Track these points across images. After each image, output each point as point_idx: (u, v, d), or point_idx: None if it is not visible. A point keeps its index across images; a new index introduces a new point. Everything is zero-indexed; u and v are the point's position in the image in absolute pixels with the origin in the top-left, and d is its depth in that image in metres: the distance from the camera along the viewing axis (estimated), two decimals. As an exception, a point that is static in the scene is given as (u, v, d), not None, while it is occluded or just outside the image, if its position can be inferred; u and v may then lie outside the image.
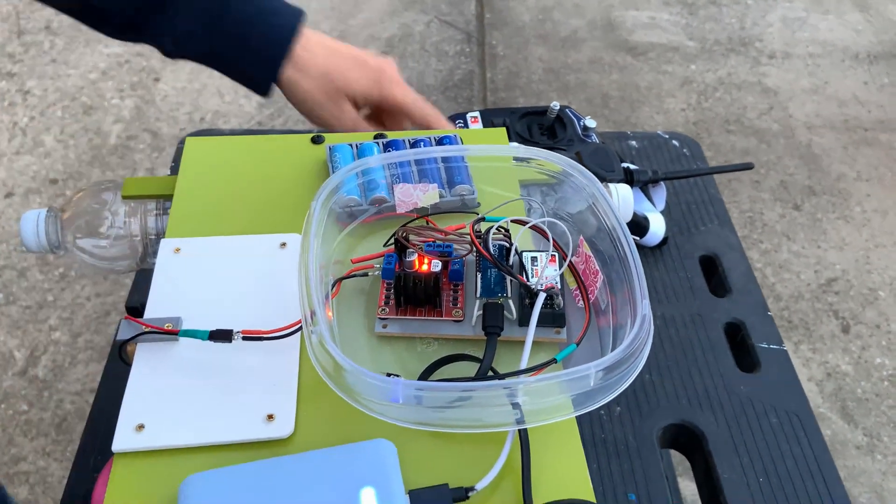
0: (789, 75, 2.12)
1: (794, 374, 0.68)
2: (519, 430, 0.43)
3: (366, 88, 0.69)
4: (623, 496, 0.60)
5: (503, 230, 0.50)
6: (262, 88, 0.70)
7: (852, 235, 1.70)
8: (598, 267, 0.49)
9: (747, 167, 0.82)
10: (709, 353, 0.69)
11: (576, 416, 0.43)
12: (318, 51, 0.68)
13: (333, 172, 0.58)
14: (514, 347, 0.48)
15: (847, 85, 2.10)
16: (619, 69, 2.12)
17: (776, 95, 2.06)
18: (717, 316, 0.72)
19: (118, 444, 0.43)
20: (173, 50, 0.67)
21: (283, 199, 0.58)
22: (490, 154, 0.58)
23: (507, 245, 0.50)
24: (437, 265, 0.48)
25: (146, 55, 2.10)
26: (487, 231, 0.49)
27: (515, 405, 0.42)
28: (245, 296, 0.51)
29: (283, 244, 0.54)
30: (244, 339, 0.46)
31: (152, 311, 0.50)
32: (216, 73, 0.70)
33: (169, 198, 0.62)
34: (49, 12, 2.26)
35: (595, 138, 0.78)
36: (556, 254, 0.50)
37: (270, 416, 0.44)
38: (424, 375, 0.46)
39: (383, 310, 0.49)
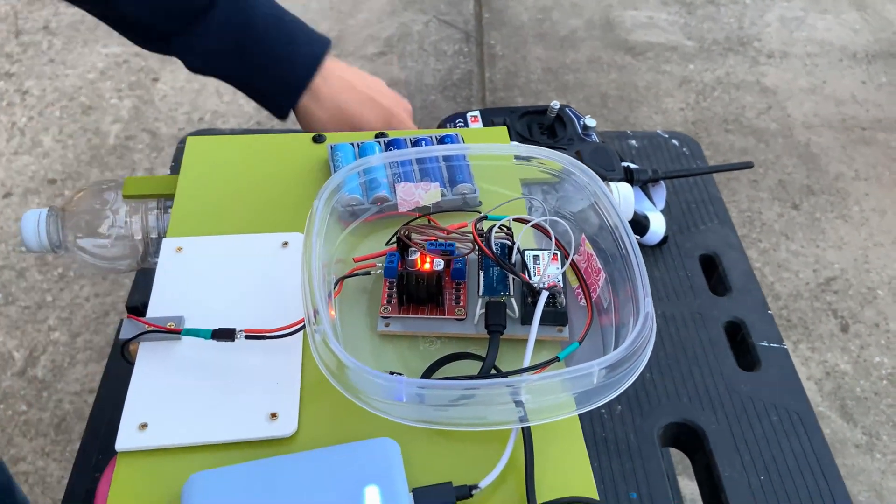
0: (787, 75, 2.13)
1: (795, 373, 0.68)
2: (522, 428, 0.43)
3: (374, 127, 0.71)
4: (624, 495, 0.60)
5: (505, 229, 0.50)
6: (279, 113, 0.72)
7: (851, 234, 1.70)
8: (600, 265, 0.49)
9: (747, 166, 0.82)
10: (709, 351, 0.69)
11: (578, 415, 0.43)
12: (335, 84, 0.70)
13: (335, 171, 0.58)
14: (517, 346, 0.48)
15: (845, 84, 2.10)
16: (617, 69, 2.12)
17: (774, 95, 2.06)
18: (717, 315, 0.72)
19: (121, 443, 0.43)
20: (198, 66, 0.69)
21: (284, 198, 0.58)
22: (491, 153, 0.58)
23: (510, 243, 0.50)
24: (439, 264, 0.48)
25: (144, 55, 2.10)
26: (490, 229, 0.49)
27: (518, 403, 0.42)
28: (247, 295, 0.51)
29: (285, 243, 0.54)
30: (247, 337, 0.46)
31: (154, 310, 0.50)
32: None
33: (170, 197, 0.62)
34: (47, 13, 2.26)
35: (595, 137, 0.79)
36: (559, 252, 0.50)
37: (273, 415, 0.44)
38: (427, 374, 0.46)
39: (386, 308, 0.49)
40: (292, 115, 0.72)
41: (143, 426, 0.44)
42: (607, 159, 0.75)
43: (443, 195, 0.56)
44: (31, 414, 1.37)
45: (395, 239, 0.50)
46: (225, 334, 0.46)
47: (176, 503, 0.41)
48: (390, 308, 0.49)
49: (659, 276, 0.75)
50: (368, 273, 0.51)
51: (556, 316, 0.48)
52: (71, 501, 0.61)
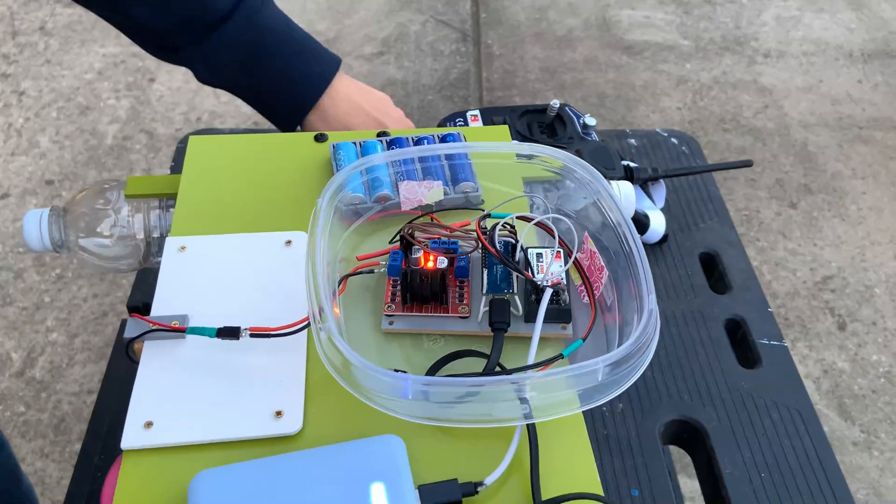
0: (784, 74, 2.13)
1: (795, 370, 0.69)
2: (527, 425, 0.43)
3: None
4: (626, 492, 0.60)
5: (509, 226, 0.50)
6: (284, 127, 0.72)
7: (848, 233, 1.71)
8: (602, 263, 0.49)
9: (746, 164, 0.83)
10: (710, 349, 0.70)
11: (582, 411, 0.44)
12: (341, 104, 0.70)
13: (337, 170, 0.58)
14: (521, 343, 0.48)
15: (841, 83, 2.11)
16: (614, 68, 2.12)
17: (771, 94, 2.06)
18: (717, 313, 0.73)
19: (127, 442, 0.43)
20: (207, 77, 0.69)
21: (286, 196, 0.58)
22: (493, 151, 0.58)
23: (513, 241, 0.50)
24: (442, 262, 0.48)
25: (141, 56, 2.10)
26: (493, 227, 0.49)
27: (523, 400, 0.42)
28: (251, 293, 0.51)
29: (289, 242, 0.54)
30: (252, 336, 0.46)
31: (159, 309, 0.50)
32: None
33: (172, 196, 0.62)
34: (43, 13, 2.25)
35: (595, 136, 0.79)
36: (562, 250, 0.50)
37: (279, 413, 0.44)
38: (432, 371, 0.46)
39: (390, 306, 0.49)
40: None
41: (149, 424, 0.44)
42: (607, 158, 0.75)
43: (445, 193, 0.56)
44: (30, 415, 1.37)
45: (398, 237, 0.51)
46: (229, 333, 0.46)
47: (182, 501, 0.41)
48: (394, 306, 0.50)
49: (659, 274, 0.76)
50: (372, 271, 0.51)
51: (559, 313, 0.48)
52: (73, 502, 0.61)
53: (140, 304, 0.73)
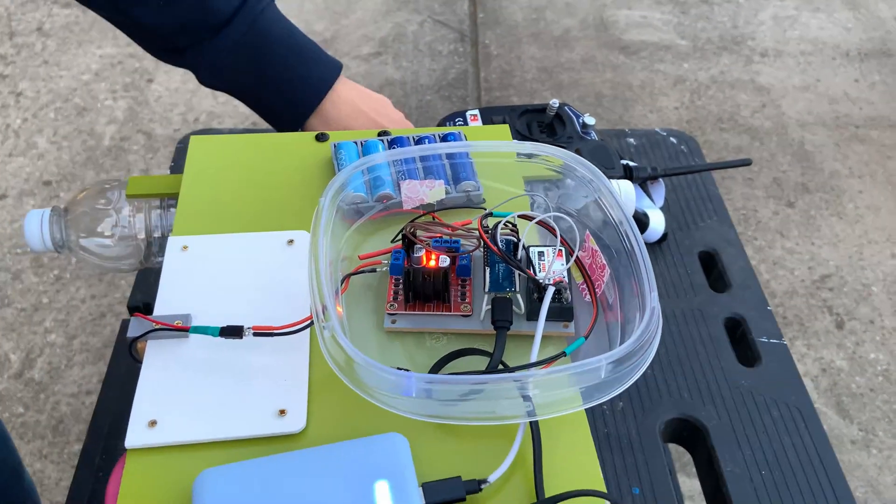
0: (781, 73, 2.14)
1: (795, 368, 0.69)
2: (530, 423, 0.44)
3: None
4: (627, 490, 0.60)
5: (510, 225, 0.51)
6: (285, 130, 0.73)
7: (845, 232, 1.71)
8: (604, 261, 0.50)
9: (745, 163, 0.83)
10: (709, 347, 0.70)
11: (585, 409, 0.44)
12: (343, 107, 0.71)
13: (339, 170, 0.58)
14: (523, 341, 0.48)
15: (838, 83, 2.12)
16: (612, 68, 2.13)
17: (768, 93, 2.07)
18: (717, 311, 0.73)
19: (131, 441, 0.43)
20: (209, 80, 0.69)
21: (288, 196, 0.58)
22: (494, 150, 0.58)
23: (515, 240, 0.50)
24: (445, 260, 0.48)
25: (138, 56, 2.10)
26: (495, 226, 0.49)
27: (526, 398, 0.42)
28: (254, 292, 0.51)
29: (291, 241, 0.54)
30: (255, 335, 0.46)
31: (161, 308, 0.50)
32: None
33: (173, 196, 0.62)
34: (40, 14, 2.25)
35: (594, 136, 0.79)
36: (563, 248, 0.51)
37: (282, 411, 0.45)
38: (434, 370, 0.47)
39: (392, 305, 0.50)
40: None
41: (153, 423, 0.44)
42: (607, 157, 0.75)
43: (447, 192, 0.56)
44: (29, 416, 1.36)
45: (400, 236, 0.51)
46: (233, 332, 0.46)
47: (186, 500, 0.41)
48: (397, 305, 0.50)
49: (659, 273, 0.76)
50: (374, 270, 0.51)
51: (561, 311, 0.48)
52: (74, 503, 0.61)
53: (140, 304, 0.73)
